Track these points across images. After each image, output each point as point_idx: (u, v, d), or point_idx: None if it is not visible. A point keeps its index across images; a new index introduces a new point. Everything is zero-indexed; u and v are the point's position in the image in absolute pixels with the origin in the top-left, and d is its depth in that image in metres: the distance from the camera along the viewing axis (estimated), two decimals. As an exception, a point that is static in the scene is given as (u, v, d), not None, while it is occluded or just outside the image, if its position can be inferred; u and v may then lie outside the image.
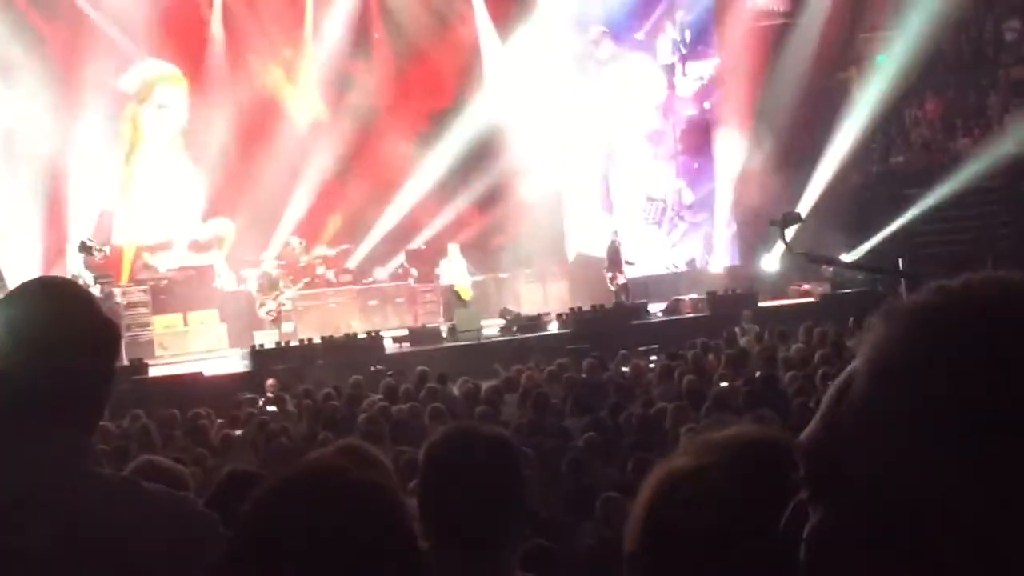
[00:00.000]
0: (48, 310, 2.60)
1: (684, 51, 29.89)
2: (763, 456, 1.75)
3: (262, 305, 23.48)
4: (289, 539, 1.91)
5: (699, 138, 30.06)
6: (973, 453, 1.08)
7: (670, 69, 30.00)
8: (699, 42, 30.01)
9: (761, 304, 23.77)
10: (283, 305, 23.74)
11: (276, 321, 23.44)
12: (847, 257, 23.31)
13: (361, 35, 27.37)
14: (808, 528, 1.21)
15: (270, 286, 23.57)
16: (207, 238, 26.76)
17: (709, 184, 29.92)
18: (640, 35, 29.55)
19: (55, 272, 22.64)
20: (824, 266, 24.46)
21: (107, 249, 22.94)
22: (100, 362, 2.63)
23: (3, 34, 24.06)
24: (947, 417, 1.09)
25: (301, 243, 25.64)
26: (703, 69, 30.05)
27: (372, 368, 18.22)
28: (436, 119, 27.61)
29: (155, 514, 2.49)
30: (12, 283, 23.03)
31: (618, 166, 29.60)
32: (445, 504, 3.13)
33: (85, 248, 22.00)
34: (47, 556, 2.40)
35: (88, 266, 21.80)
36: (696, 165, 30.06)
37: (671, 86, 29.96)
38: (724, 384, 13.27)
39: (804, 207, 24.52)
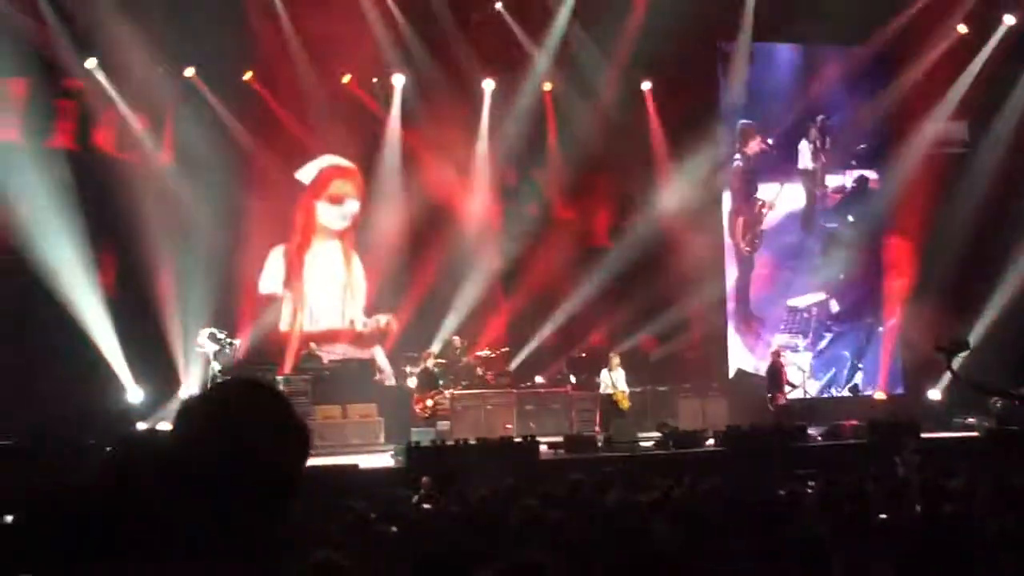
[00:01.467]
0: (246, 411, 2.65)
1: (825, 160, 29.54)
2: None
3: (419, 402, 23.67)
4: None
5: (843, 252, 29.64)
6: None
7: (811, 176, 29.59)
8: (842, 151, 29.58)
9: (924, 435, 23.23)
10: (440, 404, 23.90)
11: (432, 419, 23.59)
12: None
13: (537, 141, 27.68)
14: None
15: (429, 383, 23.74)
16: (370, 331, 27.14)
17: (856, 295, 29.50)
18: (769, 140, 29.14)
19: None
20: (992, 399, 23.88)
21: (237, 343, 23.41)
22: (293, 465, 2.67)
23: (190, 123, 24.95)
24: None
25: (463, 343, 25.88)
26: (845, 180, 29.71)
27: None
28: (609, 231, 27.78)
29: None
30: (183, 368, 23.81)
31: (757, 273, 29.26)
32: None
33: (215, 339, 22.49)
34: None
35: (217, 357, 22.32)
36: (842, 276, 29.62)
37: (812, 195, 29.60)
38: (883, 516, 12.97)
39: (973, 337, 24.02)
